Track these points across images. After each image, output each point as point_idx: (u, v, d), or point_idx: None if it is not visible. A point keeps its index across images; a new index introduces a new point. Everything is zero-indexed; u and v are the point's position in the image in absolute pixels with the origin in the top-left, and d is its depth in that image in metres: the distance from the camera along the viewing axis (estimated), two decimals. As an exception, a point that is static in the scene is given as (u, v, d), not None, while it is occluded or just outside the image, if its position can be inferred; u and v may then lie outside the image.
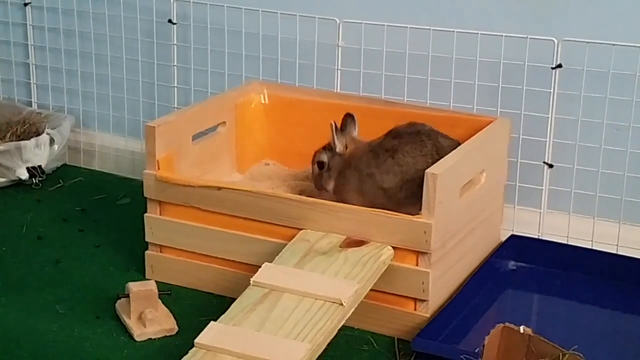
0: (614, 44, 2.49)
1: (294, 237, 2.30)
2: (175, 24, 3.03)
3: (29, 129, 3.25)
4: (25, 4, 3.31)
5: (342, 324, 2.05)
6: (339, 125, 2.52)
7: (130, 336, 2.25)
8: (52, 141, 3.15)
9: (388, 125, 2.53)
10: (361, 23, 2.76)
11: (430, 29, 2.67)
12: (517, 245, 2.59)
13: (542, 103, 2.60)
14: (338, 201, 2.40)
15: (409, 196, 2.34)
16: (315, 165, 2.55)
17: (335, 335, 2.03)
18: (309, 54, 2.87)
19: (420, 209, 2.20)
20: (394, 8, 2.79)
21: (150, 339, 2.25)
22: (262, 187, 2.56)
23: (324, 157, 2.53)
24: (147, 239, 2.51)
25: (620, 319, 2.40)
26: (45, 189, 3.11)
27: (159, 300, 2.31)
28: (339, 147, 2.50)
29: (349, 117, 2.54)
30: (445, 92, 2.71)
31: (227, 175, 2.74)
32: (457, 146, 2.38)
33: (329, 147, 2.53)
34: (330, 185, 2.52)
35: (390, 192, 2.38)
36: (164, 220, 2.47)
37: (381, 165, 2.39)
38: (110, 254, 2.67)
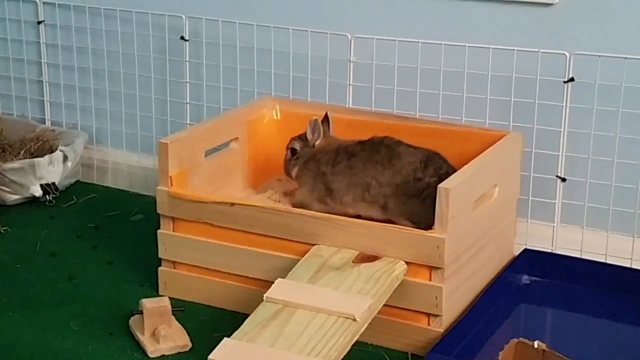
0: (626, 57, 2.49)
1: (307, 252, 2.30)
2: (187, 40, 3.04)
3: (42, 146, 3.27)
4: (39, 22, 3.33)
5: (355, 339, 2.05)
6: (320, 121, 2.61)
7: (144, 352, 2.25)
8: (65, 158, 3.16)
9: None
10: (373, 38, 2.77)
11: (442, 43, 2.68)
12: (530, 260, 2.58)
13: (555, 117, 2.60)
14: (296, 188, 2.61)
15: (356, 199, 2.45)
16: (288, 151, 2.66)
17: (349, 351, 2.03)
18: (321, 70, 2.87)
19: (360, 212, 2.34)
20: (406, 23, 2.79)
21: (163, 355, 2.25)
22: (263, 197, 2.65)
23: (297, 145, 2.65)
24: (160, 255, 2.52)
25: (635, 333, 2.38)
26: (59, 205, 3.12)
27: (173, 317, 2.31)
28: (310, 140, 2.61)
29: (325, 116, 2.66)
30: (457, 106, 2.71)
31: (239, 191, 2.74)
32: (425, 157, 2.43)
33: (304, 137, 2.63)
34: (294, 172, 2.63)
35: (336, 194, 2.49)
36: (177, 237, 2.47)
37: (335, 166, 2.51)
38: (123, 271, 2.67)
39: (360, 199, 2.47)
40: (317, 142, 2.62)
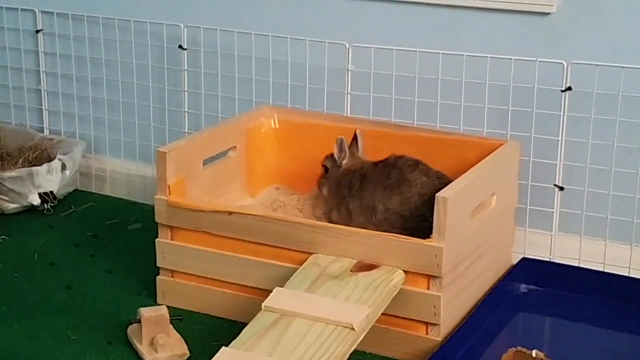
0: (623, 67, 2.49)
1: (305, 261, 2.30)
2: (185, 49, 3.05)
3: (40, 155, 3.27)
4: (37, 31, 3.33)
5: (353, 348, 2.05)
6: (348, 141, 2.62)
7: (142, 361, 2.26)
8: (63, 167, 3.16)
9: (398, 149, 2.55)
10: (371, 47, 2.77)
11: (439, 52, 2.68)
12: (528, 268, 2.58)
13: (552, 126, 2.61)
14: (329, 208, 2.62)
15: (366, 223, 2.45)
16: (322, 167, 2.69)
17: (347, 360, 2.03)
18: (319, 79, 2.88)
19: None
20: (404, 32, 2.80)
21: (161, 364, 2.25)
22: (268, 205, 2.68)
23: (328, 164, 2.67)
24: (158, 264, 2.52)
25: (633, 341, 2.38)
26: (57, 214, 3.12)
27: (171, 326, 2.31)
28: (338, 159, 2.63)
29: (354, 136, 2.66)
30: (455, 115, 2.71)
31: (238, 199, 2.74)
32: (436, 182, 2.41)
33: (333, 156, 2.65)
34: (325, 190, 2.67)
35: (353, 215, 2.51)
36: (176, 245, 2.47)
37: (352, 188, 2.54)
38: (121, 279, 2.67)
39: (370, 222, 2.46)
40: (344, 162, 2.62)
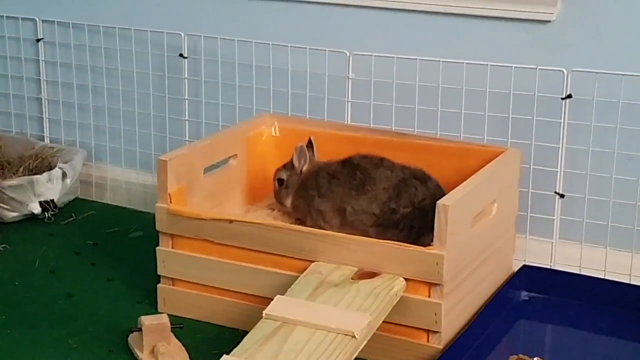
0: (623, 74, 2.50)
1: (306, 269, 2.30)
2: (186, 57, 3.05)
3: (41, 163, 3.27)
4: (38, 40, 3.34)
5: (354, 356, 2.05)
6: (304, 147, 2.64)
7: (143, 370, 2.25)
8: (64, 175, 3.16)
9: (398, 157, 2.55)
10: (371, 55, 2.78)
11: (439, 60, 2.69)
12: (529, 276, 2.58)
13: (553, 133, 2.61)
14: (296, 218, 2.61)
15: (341, 223, 2.47)
16: (275, 182, 2.68)
17: (348, 368, 2.03)
18: (319, 87, 2.88)
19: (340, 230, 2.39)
20: (404, 40, 2.80)
21: (163, 372, 2.25)
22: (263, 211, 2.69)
23: (283, 175, 2.66)
24: (159, 272, 2.51)
25: (634, 349, 2.38)
26: (58, 222, 3.12)
27: (172, 334, 2.31)
28: (297, 167, 2.63)
29: (309, 142, 2.68)
30: (455, 123, 2.72)
31: (238, 207, 2.74)
32: (400, 181, 2.43)
33: (289, 166, 2.65)
34: (288, 202, 2.65)
35: (326, 216, 2.50)
36: (176, 254, 2.47)
37: (320, 188, 2.53)
38: (122, 288, 2.67)
39: (344, 223, 2.48)
40: (304, 169, 2.63)
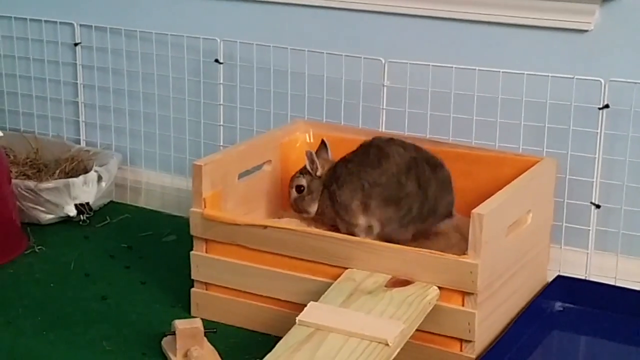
0: (661, 85, 2.48)
1: (339, 276, 2.30)
2: (222, 63, 3.07)
3: (77, 167, 3.30)
4: (76, 44, 3.37)
5: (387, 364, 2.05)
6: (314, 152, 2.63)
7: (176, 374, 2.26)
8: (99, 178, 3.18)
9: (433, 165, 2.54)
10: (407, 63, 2.77)
11: (475, 69, 2.68)
12: (564, 286, 2.56)
13: (589, 143, 2.59)
14: (324, 222, 2.57)
15: (364, 206, 2.46)
16: (294, 190, 2.63)
17: (381, 376, 2.03)
18: (354, 94, 2.88)
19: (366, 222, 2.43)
20: (440, 48, 2.80)
21: (195, 376, 2.25)
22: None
23: (302, 181, 2.62)
24: (193, 277, 2.53)
25: (669, 362, 2.36)
26: (93, 225, 3.14)
27: (205, 338, 2.32)
28: (319, 171, 2.60)
29: (322, 143, 2.68)
30: (491, 131, 2.71)
31: (272, 213, 2.75)
32: (412, 152, 2.47)
33: (305, 171, 2.62)
34: (313, 208, 2.61)
35: (349, 208, 2.48)
36: (210, 258, 2.48)
37: (338, 180, 2.52)
38: (156, 291, 2.69)
39: (366, 207, 2.46)
40: (320, 172, 2.61)
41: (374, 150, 2.49)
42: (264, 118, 3.04)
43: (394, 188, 2.44)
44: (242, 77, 3.06)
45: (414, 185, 2.43)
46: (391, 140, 2.51)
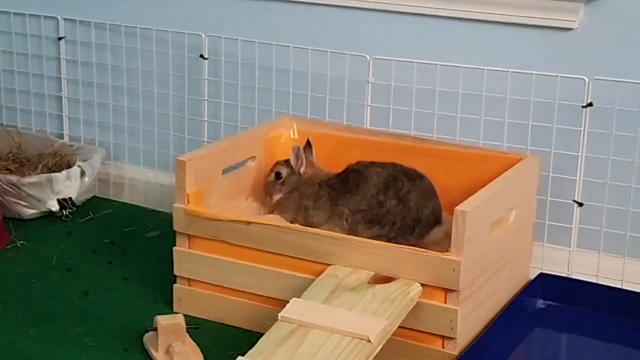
0: (645, 83, 2.48)
1: (322, 272, 2.30)
2: (206, 59, 3.06)
3: (60, 161, 3.28)
4: (59, 38, 3.35)
5: (369, 360, 2.05)
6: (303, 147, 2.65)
7: (158, 369, 2.26)
8: (82, 173, 3.17)
9: (417, 162, 2.54)
10: (391, 60, 2.77)
11: (460, 66, 2.68)
12: (546, 284, 2.57)
13: (573, 141, 2.60)
14: (273, 211, 2.61)
15: (349, 232, 2.45)
16: (272, 173, 2.67)
17: (363, 372, 2.03)
18: (339, 90, 2.88)
19: None
20: (424, 45, 2.80)
21: (177, 372, 2.25)
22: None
23: (283, 170, 2.66)
24: (175, 272, 2.52)
25: (651, 360, 2.38)
26: (76, 220, 3.13)
27: (187, 334, 2.31)
28: (302, 169, 2.63)
29: (307, 143, 2.69)
30: (474, 129, 2.71)
31: (256, 209, 2.74)
32: (390, 169, 2.47)
33: (289, 164, 2.65)
34: (276, 197, 2.65)
35: (317, 226, 2.48)
36: (193, 254, 2.48)
37: (317, 200, 2.54)
38: (138, 287, 2.68)
39: (340, 229, 2.47)
40: (302, 170, 2.64)
41: (353, 176, 2.50)
42: (248, 114, 3.03)
43: (375, 208, 2.45)
44: (227, 73, 3.06)
45: (393, 201, 2.44)
46: (371, 164, 2.52)
